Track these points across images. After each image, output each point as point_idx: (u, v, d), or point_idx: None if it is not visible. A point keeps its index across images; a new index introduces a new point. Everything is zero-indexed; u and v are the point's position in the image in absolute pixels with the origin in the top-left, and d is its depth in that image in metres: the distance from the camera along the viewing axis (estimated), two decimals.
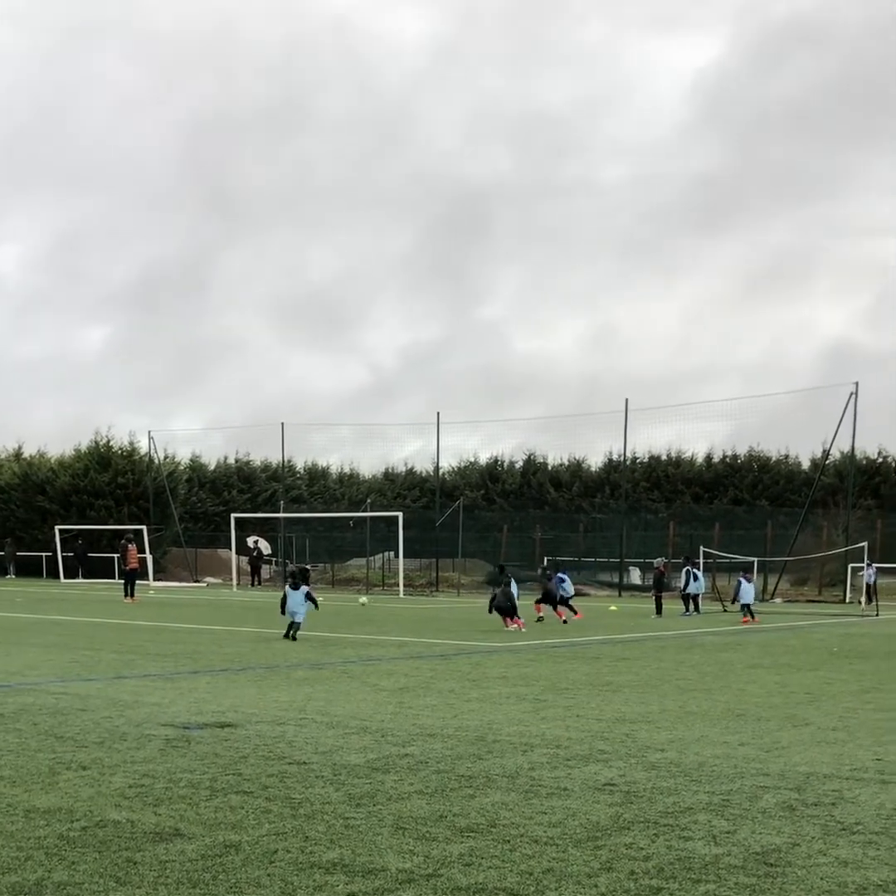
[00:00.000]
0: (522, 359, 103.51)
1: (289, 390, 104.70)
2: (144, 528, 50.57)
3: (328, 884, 5.58)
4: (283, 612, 20.74)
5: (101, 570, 53.25)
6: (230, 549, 51.26)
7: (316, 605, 21.28)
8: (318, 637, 21.60)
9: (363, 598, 30.52)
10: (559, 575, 29.66)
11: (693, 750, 9.54)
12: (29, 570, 56.97)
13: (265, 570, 54.74)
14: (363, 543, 53.86)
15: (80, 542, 54.89)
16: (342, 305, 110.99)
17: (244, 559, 52.42)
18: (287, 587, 21.01)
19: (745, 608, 29.13)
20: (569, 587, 29.47)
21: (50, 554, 55.46)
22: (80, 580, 52.64)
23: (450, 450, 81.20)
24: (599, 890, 5.54)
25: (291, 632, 20.52)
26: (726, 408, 53.31)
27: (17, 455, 64.92)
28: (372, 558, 52.97)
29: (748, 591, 29.61)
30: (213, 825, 6.72)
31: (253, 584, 51.31)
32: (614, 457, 71.25)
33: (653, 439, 73.81)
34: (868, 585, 40.17)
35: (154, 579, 50.78)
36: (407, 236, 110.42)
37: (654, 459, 73.80)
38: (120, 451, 60.72)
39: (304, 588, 20.77)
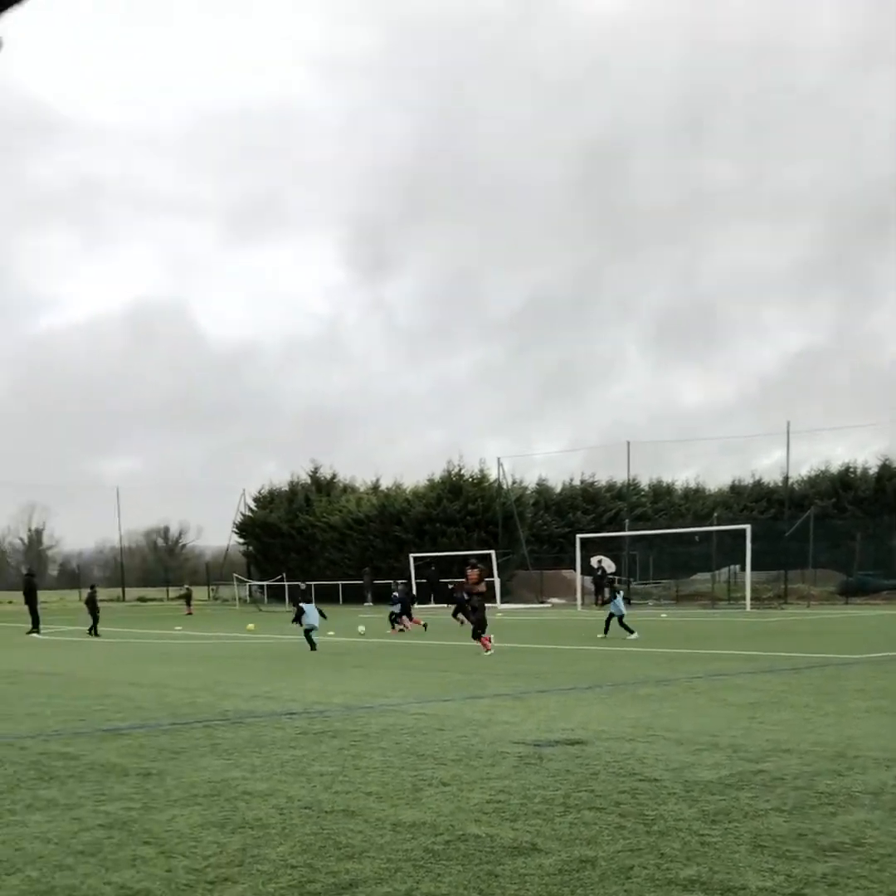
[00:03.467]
0: None
1: (659, 406, 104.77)
2: (492, 552, 51.93)
3: None
4: (295, 622, 24.23)
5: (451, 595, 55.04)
6: (574, 569, 51.72)
7: (324, 616, 24.73)
8: (662, 653, 21.41)
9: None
10: None
11: None
12: (385, 597, 59.63)
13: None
14: (708, 557, 52.92)
15: (432, 568, 57.00)
16: (723, 318, 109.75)
17: (588, 579, 52.70)
18: (301, 603, 24.42)
19: None
20: None
21: (405, 581, 57.87)
22: (432, 605, 54.61)
23: (813, 458, 78.11)
24: None
25: (312, 642, 23.70)
26: None
27: (375, 488, 68.37)
28: (717, 572, 51.94)
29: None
30: (569, 840, 6.83)
31: (597, 603, 51.48)
32: None
33: None
34: None
35: (500, 602, 51.93)
36: (796, 243, 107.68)
37: None
38: (471, 479, 62.72)
39: (312, 603, 24.42)
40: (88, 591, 35.00)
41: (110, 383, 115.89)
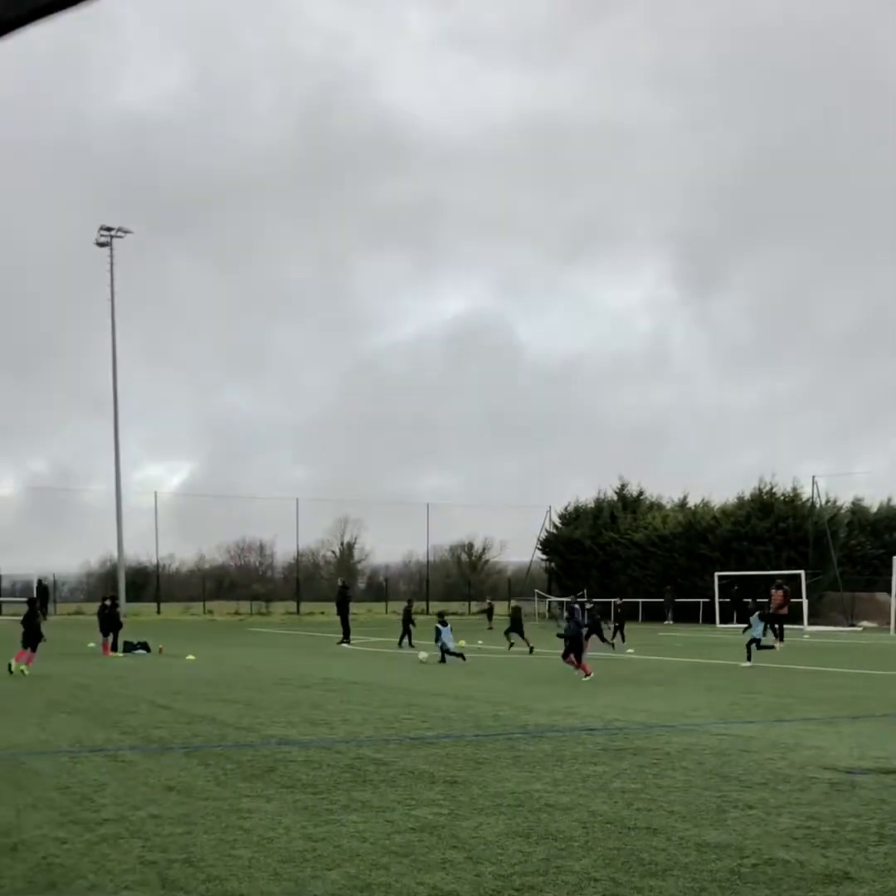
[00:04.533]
0: None
1: None
2: (802, 572, 50.26)
3: None
4: (436, 642, 26.22)
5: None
6: (889, 592, 49.21)
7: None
8: None
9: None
10: None
11: None
12: (685, 615, 58.71)
13: None
14: None
15: (735, 588, 55.63)
16: None
17: None
18: (438, 625, 26.47)
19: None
20: None
21: (707, 600, 56.78)
22: (735, 625, 53.29)
23: None
24: None
25: (444, 657, 25.71)
26: None
27: (682, 505, 67.46)
28: None
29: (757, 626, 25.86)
30: (884, 871, 6.56)
31: None
32: None
33: None
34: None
35: (808, 624, 50.04)
36: None
37: None
38: (783, 498, 61.01)
39: (448, 625, 26.36)
40: (406, 604, 36.38)
41: (431, 401, 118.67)
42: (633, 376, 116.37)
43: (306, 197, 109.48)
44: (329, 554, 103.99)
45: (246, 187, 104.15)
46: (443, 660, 25.85)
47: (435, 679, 21.35)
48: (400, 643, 33.37)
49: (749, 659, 25.03)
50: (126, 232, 57.16)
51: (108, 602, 30.49)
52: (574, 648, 21.44)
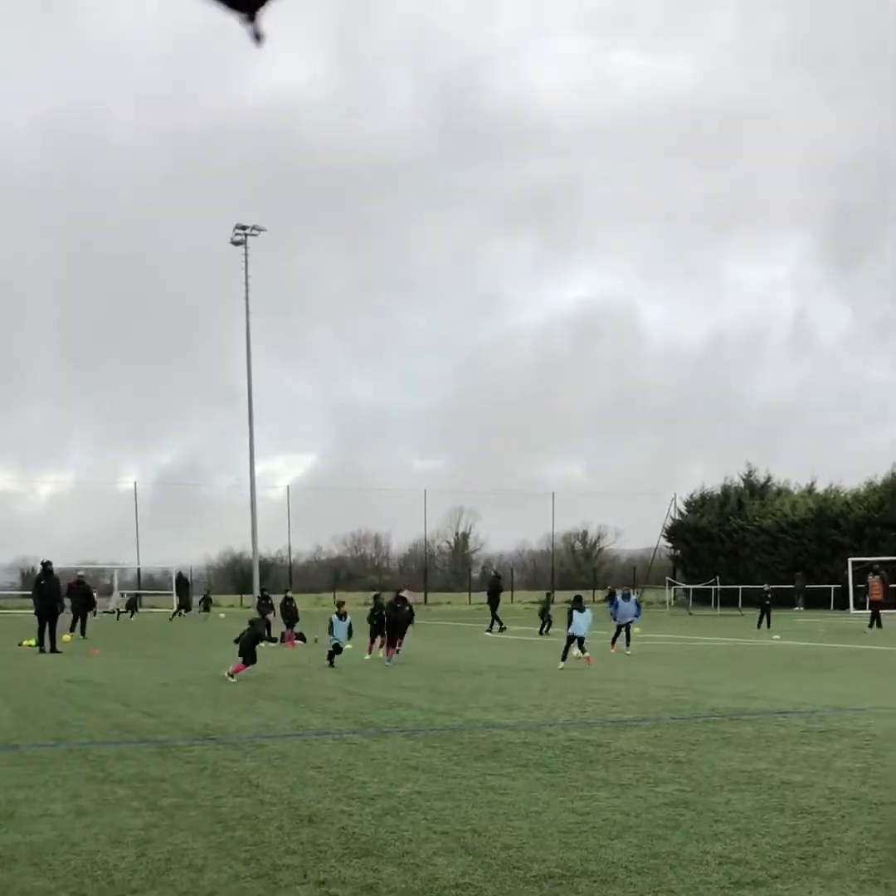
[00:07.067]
0: None
1: None
2: None
3: None
4: (329, 634, 22.54)
5: None
6: None
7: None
8: None
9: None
10: None
11: None
12: (816, 602, 58.12)
13: None
14: None
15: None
16: None
17: None
18: (334, 617, 22.58)
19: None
20: None
21: (838, 586, 56.19)
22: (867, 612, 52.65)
23: None
24: None
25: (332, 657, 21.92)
26: None
27: (810, 490, 66.62)
28: None
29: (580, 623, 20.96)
30: None
31: None
32: None
33: None
34: None
35: None
36: None
37: None
38: None
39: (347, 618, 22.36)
40: (544, 596, 37.13)
41: (557, 387, 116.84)
42: (767, 357, 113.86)
43: (438, 181, 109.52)
44: (444, 544, 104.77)
45: (377, 173, 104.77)
46: (330, 659, 21.86)
47: (597, 665, 21.78)
48: (541, 632, 34.03)
49: (563, 659, 21.04)
50: (260, 230, 57.94)
51: (289, 595, 31.65)
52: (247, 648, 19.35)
